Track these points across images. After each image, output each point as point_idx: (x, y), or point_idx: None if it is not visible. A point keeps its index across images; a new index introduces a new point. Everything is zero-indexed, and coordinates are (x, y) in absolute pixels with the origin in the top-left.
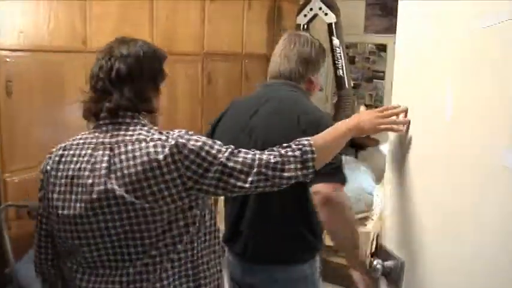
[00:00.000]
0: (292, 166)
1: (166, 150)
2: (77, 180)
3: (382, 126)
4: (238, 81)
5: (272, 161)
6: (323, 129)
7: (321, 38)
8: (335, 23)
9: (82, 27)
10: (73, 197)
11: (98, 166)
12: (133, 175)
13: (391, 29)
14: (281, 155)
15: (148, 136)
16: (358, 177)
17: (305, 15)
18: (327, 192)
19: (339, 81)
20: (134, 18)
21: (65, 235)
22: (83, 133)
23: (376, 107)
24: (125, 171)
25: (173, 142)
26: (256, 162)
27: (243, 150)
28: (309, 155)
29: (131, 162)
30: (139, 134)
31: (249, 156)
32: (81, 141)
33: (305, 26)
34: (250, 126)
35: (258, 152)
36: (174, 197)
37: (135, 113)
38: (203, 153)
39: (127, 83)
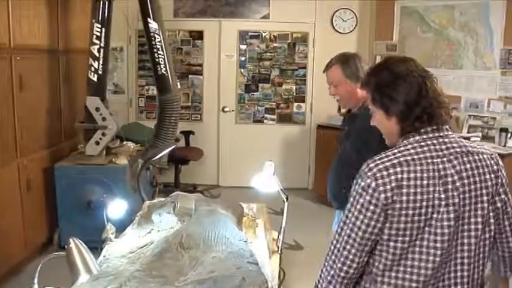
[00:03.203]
0: None
1: (499, 164)
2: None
3: None
4: (8, 88)
5: None
6: None
7: (134, 21)
8: (150, 1)
9: None
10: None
11: (449, 179)
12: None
13: (208, 12)
14: None
15: (474, 147)
16: (220, 233)
17: None
18: None
19: (161, 81)
20: None
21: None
22: (401, 148)
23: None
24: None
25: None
26: None
27: None
28: None
29: (470, 173)
30: (464, 144)
31: None
32: (414, 156)
33: (106, 3)
34: None
35: None
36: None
37: None
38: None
39: None
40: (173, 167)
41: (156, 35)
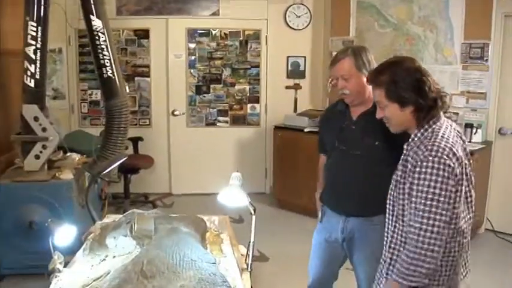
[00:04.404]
0: None
1: None
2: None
3: None
4: None
5: None
6: None
7: (74, 18)
8: None
9: None
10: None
11: (467, 151)
12: None
13: (153, 9)
14: None
15: None
16: (186, 256)
17: None
18: None
19: (107, 85)
20: None
21: None
22: (440, 135)
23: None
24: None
25: None
26: None
27: None
28: None
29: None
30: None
31: None
32: (451, 133)
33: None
34: None
35: None
36: None
37: None
38: None
39: None
40: (122, 176)
41: (100, 34)
